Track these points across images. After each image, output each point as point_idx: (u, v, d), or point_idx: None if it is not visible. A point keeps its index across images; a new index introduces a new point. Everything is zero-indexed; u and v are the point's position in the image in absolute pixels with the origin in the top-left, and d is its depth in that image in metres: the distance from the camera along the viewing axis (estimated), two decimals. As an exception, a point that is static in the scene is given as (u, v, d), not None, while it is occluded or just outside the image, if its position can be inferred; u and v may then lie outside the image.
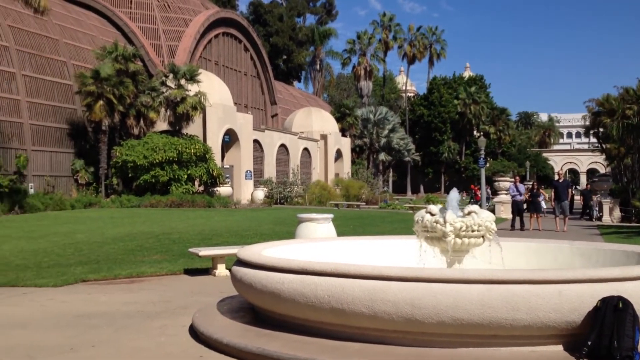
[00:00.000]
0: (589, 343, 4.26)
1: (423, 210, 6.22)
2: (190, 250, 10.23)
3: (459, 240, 5.90)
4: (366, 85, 66.85)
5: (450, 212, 5.92)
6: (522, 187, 21.74)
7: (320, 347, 4.72)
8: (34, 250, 12.64)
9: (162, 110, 30.73)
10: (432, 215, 6.01)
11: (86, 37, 34.43)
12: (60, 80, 30.64)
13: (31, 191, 26.02)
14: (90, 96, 28.42)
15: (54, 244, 13.63)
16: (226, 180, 33.14)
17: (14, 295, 7.96)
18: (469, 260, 6.16)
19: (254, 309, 6.04)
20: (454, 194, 6.22)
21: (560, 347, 4.55)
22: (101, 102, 28.35)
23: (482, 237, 5.96)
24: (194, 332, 5.71)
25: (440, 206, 6.20)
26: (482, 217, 5.94)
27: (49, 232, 16.10)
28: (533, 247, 7.19)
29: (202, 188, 31.27)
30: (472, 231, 5.88)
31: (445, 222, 5.84)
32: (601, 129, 40.90)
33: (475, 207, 6.03)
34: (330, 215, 10.61)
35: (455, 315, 4.39)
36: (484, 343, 4.52)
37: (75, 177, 29.83)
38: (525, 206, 21.94)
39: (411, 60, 72.60)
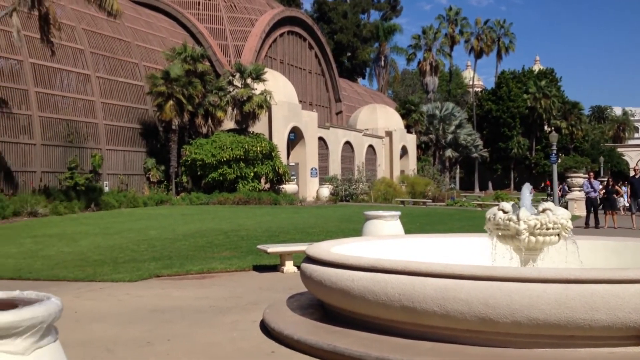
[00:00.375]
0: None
1: (495, 208, 6.09)
2: (259, 247, 10.37)
3: (533, 239, 5.75)
4: (432, 81, 66.05)
5: (524, 210, 5.78)
6: (596, 184, 21.00)
7: (390, 345, 4.69)
8: (110, 246, 13.11)
9: (229, 109, 31.28)
10: (505, 212, 5.88)
11: (156, 39, 35.41)
12: (132, 82, 31.64)
13: (106, 189, 26.97)
14: (160, 96, 29.22)
15: (128, 240, 14.09)
16: (292, 177, 33.43)
17: (92, 290, 8.27)
18: (544, 258, 5.99)
19: (323, 306, 6.06)
20: (528, 190, 6.07)
21: (640, 349, 4.37)
22: (171, 102, 29.10)
23: (558, 235, 5.79)
24: (265, 328, 5.78)
25: (513, 203, 6.06)
26: (558, 214, 5.77)
27: (123, 229, 16.65)
28: (611, 245, 6.94)
29: (268, 185, 31.65)
30: (547, 229, 5.72)
31: (518, 219, 5.70)
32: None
33: (550, 204, 5.86)
34: (398, 213, 10.55)
35: (530, 315, 4.28)
36: (560, 344, 4.39)
37: (147, 176, 30.75)
38: (600, 203, 21.19)
39: (478, 54, 71.31)
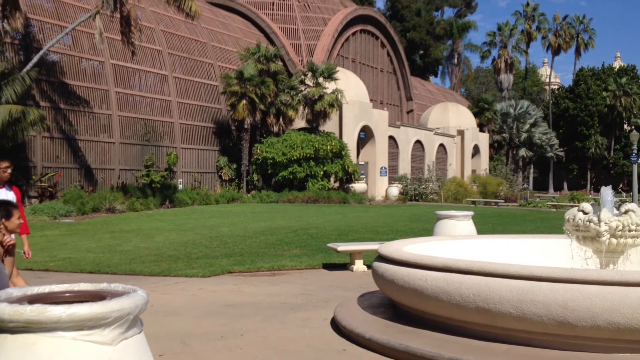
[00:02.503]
0: None
1: (575, 209, 5.90)
2: (329, 245, 10.40)
3: (614, 240, 5.53)
4: (506, 79, 64.46)
5: (606, 210, 5.56)
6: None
7: (464, 347, 4.62)
8: (184, 242, 13.46)
9: (300, 108, 31.55)
10: (585, 213, 5.68)
11: (231, 40, 36.12)
12: (207, 82, 32.39)
13: (180, 187, 27.73)
14: (234, 96, 29.79)
15: (201, 237, 14.44)
16: (361, 176, 33.41)
17: (167, 285, 8.51)
18: (625, 261, 5.76)
19: (394, 305, 6.03)
20: (609, 190, 5.85)
21: None
22: (244, 101, 29.61)
23: (641, 237, 5.55)
24: (336, 326, 5.79)
25: (593, 204, 5.85)
26: (641, 216, 5.53)
27: (196, 225, 17.08)
28: (699, 250, 6.58)
29: (337, 184, 31.74)
30: (630, 231, 5.49)
31: (599, 220, 5.50)
32: None
33: (633, 206, 5.62)
34: (470, 213, 10.36)
35: (611, 319, 4.13)
36: (643, 350, 4.21)
37: (219, 174, 31.42)
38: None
39: (556, 51, 69.00)
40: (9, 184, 6.39)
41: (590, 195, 42.92)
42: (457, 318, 4.93)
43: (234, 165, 31.36)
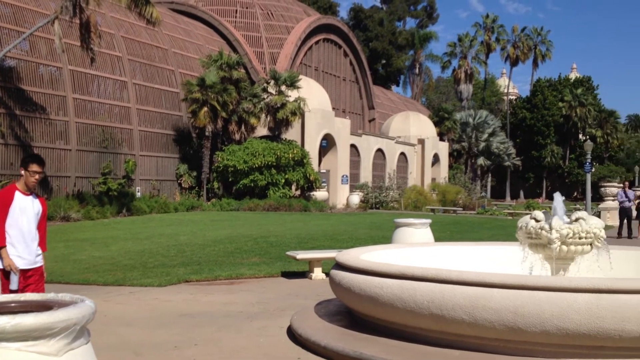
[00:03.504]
0: None
1: (527, 216, 6.00)
2: (288, 253, 10.38)
3: (564, 248, 5.65)
4: (466, 89, 65.49)
5: (557, 218, 5.68)
6: (631, 194, 20.56)
7: (418, 353, 4.65)
8: (140, 251, 13.26)
9: (263, 116, 31.47)
10: (537, 221, 5.78)
11: (193, 46, 35.87)
12: (168, 88, 32.07)
13: (138, 194, 27.33)
14: (195, 103, 29.55)
15: (158, 245, 14.25)
16: (322, 184, 33.46)
17: (121, 294, 8.37)
18: (576, 268, 5.88)
19: (351, 313, 6.04)
20: (560, 199, 5.97)
21: (674, 362, 4.25)
22: (205, 108, 29.40)
23: (590, 244, 5.68)
24: (292, 334, 5.77)
25: (545, 212, 5.96)
26: (591, 223, 5.66)
27: (154, 234, 16.85)
28: (646, 257, 6.78)
29: (298, 192, 31.72)
30: (580, 238, 5.61)
31: (551, 228, 5.61)
32: None
33: (583, 213, 5.75)
34: (428, 221, 10.47)
35: (560, 324, 4.21)
36: (589, 354, 4.30)
37: (178, 181, 31.10)
38: (635, 213, 20.74)
39: (514, 62, 70.40)
40: (35, 193, 5.64)
41: (543, 203, 43.80)
42: (412, 325, 4.96)
43: (194, 173, 31.07)
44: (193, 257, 12.24)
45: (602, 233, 5.70)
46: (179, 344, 5.60)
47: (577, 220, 5.71)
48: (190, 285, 9.17)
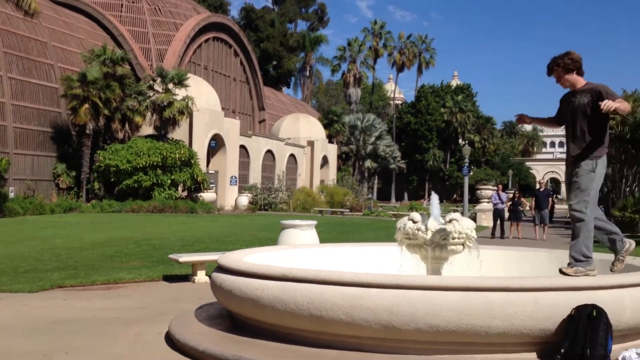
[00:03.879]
0: (562, 351, 4.25)
1: (405, 218, 6.19)
2: (170, 256, 10.12)
3: (439, 248, 5.87)
4: (355, 92, 66.96)
5: (432, 220, 5.90)
6: (504, 196, 21.85)
7: (297, 354, 4.66)
8: (11, 255, 12.47)
9: (148, 114, 30.57)
10: (414, 222, 5.98)
11: (75, 40, 34.23)
12: (46, 83, 30.42)
13: (11, 195, 25.75)
14: (75, 99, 28.22)
15: (31, 249, 13.46)
16: (210, 185, 33.01)
17: (-11, 300, 7.82)
18: (449, 267, 6.13)
19: (232, 316, 5.96)
20: (437, 200, 6.21)
21: (533, 355, 4.53)
22: (87, 105, 28.16)
23: (463, 244, 5.94)
24: (170, 340, 5.61)
25: (422, 213, 6.18)
26: (463, 224, 5.92)
27: (27, 237, 15.91)
28: (512, 255, 7.20)
29: (185, 193, 31.11)
30: (453, 239, 5.85)
31: (426, 229, 5.81)
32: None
33: (456, 215, 6.01)
34: (314, 222, 10.56)
35: (432, 322, 4.36)
36: (459, 350, 4.49)
37: (56, 182, 29.58)
38: (507, 214, 22.05)
39: (400, 68, 72.85)
40: None
41: (426, 205, 45.54)
42: (292, 326, 4.97)
43: (74, 173, 29.67)
44: (69, 262, 11.66)
45: (474, 234, 5.98)
46: (48, 352, 5.30)
47: (450, 221, 5.95)
48: (64, 291, 8.72)
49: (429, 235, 5.84)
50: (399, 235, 6.17)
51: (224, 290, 5.53)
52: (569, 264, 5.33)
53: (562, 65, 5.30)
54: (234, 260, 5.74)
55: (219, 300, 6.04)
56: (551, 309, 4.33)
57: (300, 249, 7.72)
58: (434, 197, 6.36)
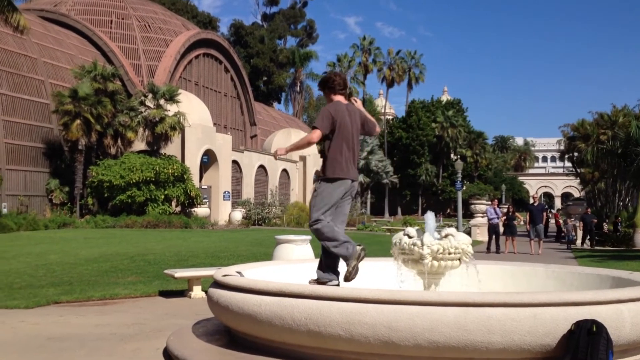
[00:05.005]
0: (564, 366, 4.27)
1: (401, 233, 6.21)
2: (166, 271, 10.11)
3: (435, 263, 5.89)
4: (345, 108, 67.11)
5: (428, 235, 5.92)
6: (499, 211, 21.93)
7: (296, 371, 4.66)
8: (5, 271, 12.40)
9: (140, 130, 30.59)
10: (410, 237, 6.00)
11: (65, 57, 34.26)
12: (37, 99, 30.40)
13: (4, 211, 25.63)
14: (67, 115, 28.21)
15: (26, 265, 13.40)
16: (204, 200, 32.97)
17: (-17, 317, 7.77)
18: (446, 282, 6.15)
19: (229, 332, 5.96)
20: (431, 216, 6.24)
21: (535, 370, 4.54)
22: (78, 121, 28.14)
23: (459, 259, 5.97)
24: (169, 356, 5.60)
25: (418, 228, 6.20)
26: (459, 239, 5.95)
27: (21, 253, 15.83)
28: (508, 270, 7.22)
29: (179, 209, 31.05)
30: (449, 254, 5.87)
31: (422, 244, 5.84)
32: (576, 154, 41.53)
33: (452, 230, 6.04)
34: (308, 237, 10.58)
35: (431, 337, 4.37)
36: (459, 366, 4.50)
37: (49, 197, 29.47)
38: (501, 229, 22.11)
39: (390, 83, 73.24)
40: None
41: (419, 220, 45.60)
42: (290, 342, 4.97)
43: (67, 189, 29.58)
44: (64, 277, 11.61)
45: (470, 249, 6.01)
46: (45, 370, 5.28)
47: (446, 236, 5.98)
48: (60, 307, 8.69)
49: (425, 251, 5.86)
50: (395, 251, 6.19)
51: (221, 306, 5.53)
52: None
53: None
54: (231, 276, 5.74)
55: (216, 316, 6.04)
56: (551, 325, 4.35)
57: (295, 264, 7.72)
58: (429, 214, 6.39)
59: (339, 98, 5.96)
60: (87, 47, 37.86)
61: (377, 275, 7.08)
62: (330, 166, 5.67)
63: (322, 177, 5.75)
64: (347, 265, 5.70)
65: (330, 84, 5.94)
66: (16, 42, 30.15)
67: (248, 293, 5.21)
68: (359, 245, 5.78)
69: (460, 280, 6.14)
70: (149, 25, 41.82)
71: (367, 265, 7.59)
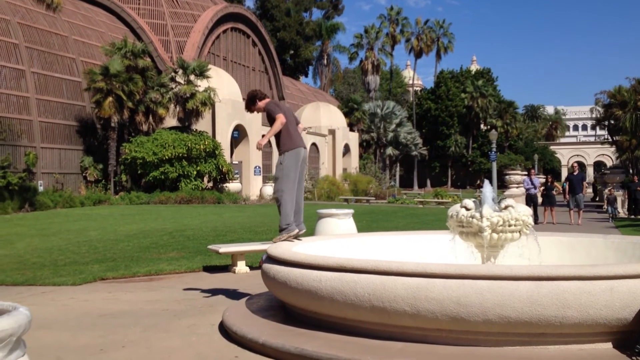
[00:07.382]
0: (642, 340, 4.10)
1: (457, 205, 6.05)
2: (210, 247, 10.08)
3: (495, 235, 5.72)
4: (373, 80, 66.57)
5: (487, 207, 5.75)
6: (536, 181, 21.51)
7: (360, 347, 4.56)
8: (49, 248, 12.53)
9: (172, 106, 30.63)
10: (468, 209, 5.83)
11: (95, 34, 34.34)
12: (69, 77, 30.56)
13: (40, 189, 25.95)
14: (99, 93, 28.33)
15: (67, 242, 13.53)
16: (235, 176, 33.03)
17: (33, 295, 7.83)
18: (504, 255, 5.99)
19: (284, 308, 5.89)
20: (489, 187, 6.05)
21: (609, 345, 4.38)
22: (110, 98, 28.25)
23: (519, 231, 5.79)
24: (225, 332, 5.55)
25: (475, 200, 6.02)
26: (519, 211, 5.77)
27: (61, 230, 16.01)
28: (565, 241, 7.01)
29: (211, 184, 31.17)
30: (509, 226, 5.70)
31: (482, 216, 5.66)
32: (612, 121, 40.60)
33: (511, 201, 5.86)
34: (351, 211, 10.47)
35: (502, 313, 4.23)
36: (531, 341, 4.36)
37: (84, 175, 29.78)
38: (540, 199, 21.73)
39: (418, 54, 72.24)
40: None
41: (449, 191, 45.20)
42: (351, 318, 4.87)
43: (100, 166, 29.84)
44: (106, 254, 11.68)
45: (530, 220, 5.83)
46: (104, 346, 5.26)
47: (506, 208, 5.80)
48: (106, 283, 8.72)
49: (484, 223, 5.69)
50: (452, 223, 6.03)
51: (278, 281, 5.45)
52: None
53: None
54: (286, 251, 5.65)
55: (272, 291, 5.97)
56: (628, 297, 4.17)
57: (345, 239, 7.61)
58: (487, 184, 6.20)
59: (266, 101, 7.26)
60: (116, 23, 37.89)
61: (430, 248, 6.93)
62: (288, 141, 6.97)
63: (282, 150, 6.98)
64: (279, 234, 6.99)
65: (256, 96, 7.27)
66: (47, 21, 30.26)
67: (307, 268, 5.11)
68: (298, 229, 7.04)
69: (520, 252, 5.97)
70: (176, 1, 41.68)
71: (417, 239, 7.46)
